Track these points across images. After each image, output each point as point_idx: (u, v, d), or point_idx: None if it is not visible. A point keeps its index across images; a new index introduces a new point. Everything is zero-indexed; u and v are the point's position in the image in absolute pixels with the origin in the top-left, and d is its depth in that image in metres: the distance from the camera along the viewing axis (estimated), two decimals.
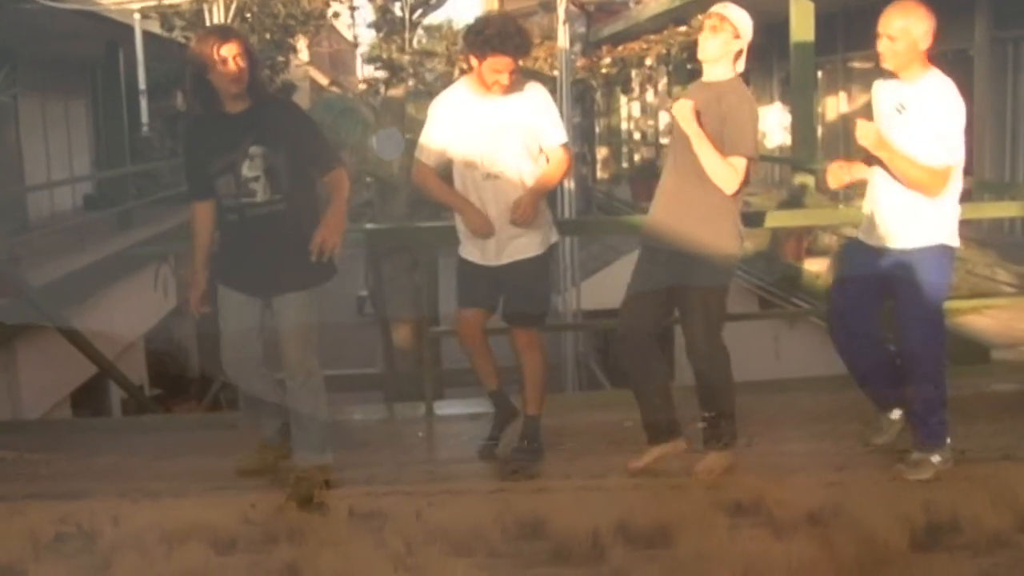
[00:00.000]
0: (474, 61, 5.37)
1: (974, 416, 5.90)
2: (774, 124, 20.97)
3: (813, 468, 5.36)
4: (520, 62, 5.41)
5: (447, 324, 6.33)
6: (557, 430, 5.91)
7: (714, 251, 5.18)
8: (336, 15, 20.82)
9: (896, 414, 5.51)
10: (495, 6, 32.23)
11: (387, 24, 19.06)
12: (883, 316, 5.37)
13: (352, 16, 21.25)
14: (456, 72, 19.34)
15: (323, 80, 35.41)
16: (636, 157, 27.09)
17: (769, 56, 20.27)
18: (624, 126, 30.37)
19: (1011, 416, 6.04)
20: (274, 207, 5.23)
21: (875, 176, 5.20)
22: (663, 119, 26.09)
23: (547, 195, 5.72)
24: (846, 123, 16.28)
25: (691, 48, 5.25)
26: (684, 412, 5.42)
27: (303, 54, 26.23)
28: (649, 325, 5.36)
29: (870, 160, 5.15)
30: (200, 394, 16.95)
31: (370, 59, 20.18)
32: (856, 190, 5.57)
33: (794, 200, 14.51)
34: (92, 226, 16.84)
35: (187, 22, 17.89)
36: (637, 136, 29.78)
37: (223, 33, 5.25)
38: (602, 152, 28.77)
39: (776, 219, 9.45)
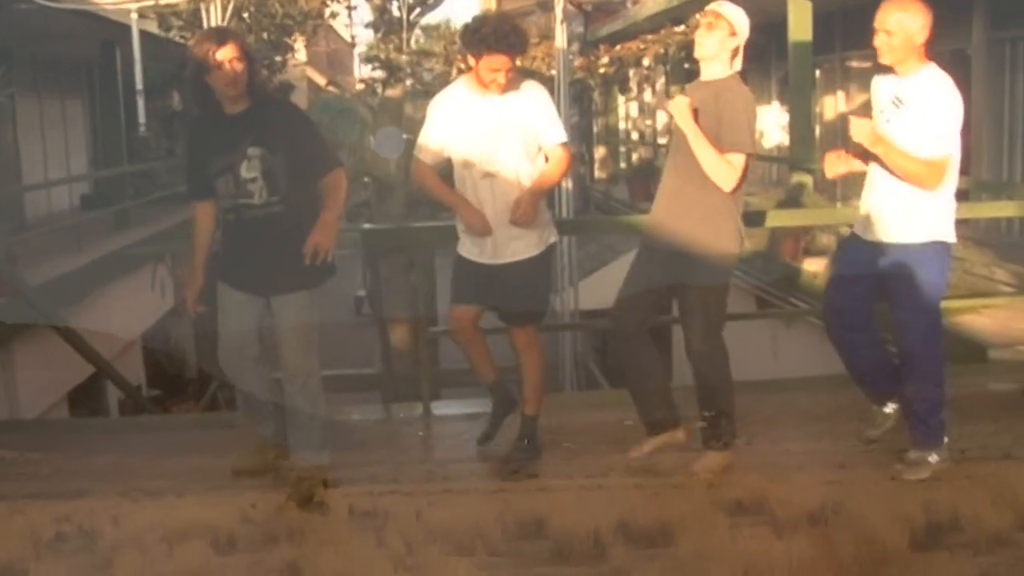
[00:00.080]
0: (472, 60, 5.38)
1: (974, 415, 5.90)
2: (772, 123, 20.98)
3: (813, 467, 5.36)
4: (517, 61, 5.42)
5: (444, 324, 6.33)
6: (556, 430, 5.91)
7: (714, 250, 5.18)
8: (334, 15, 20.84)
9: (890, 408, 5.51)
10: (492, 5, 32.24)
11: (385, 24, 19.06)
12: (880, 315, 5.37)
13: (350, 16, 21.32)
14: (454, 72, 19.32)
15: (321, 80, 35.46)
16: (634, 157, 27.08)
17: (767, 56, 20.28)
18: (622, 126, 30.38)
19: (1011, 415, 6.04)
20: (271, 209, 5.24)
21: (872, 171, 5.21)
22: (661, 119, 26.11)
23: (546, 195, 5.73)
24: (844, 122, 16.24)
25: (688, 48, 5.26)
26: (683, 412, 5.42)
27: (301, 54, 26.23)
28: (639, 323, 5.38)
29: (866, 157, 5.15)
30: (198, 394, 16.92)
31: (368, 59, 20.19)
32: (853, 190, 5.57)
33: (792, 199, 14.51)
34: (89, 226, 16.81)
35: (184, 22, 17.90)
36: (635, 136, 29.79)
37: (220, 36, 5.25)
38: (600, 152, 28.78)
39: (775, 219, 9.45)
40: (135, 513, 5.01)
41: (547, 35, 20.40)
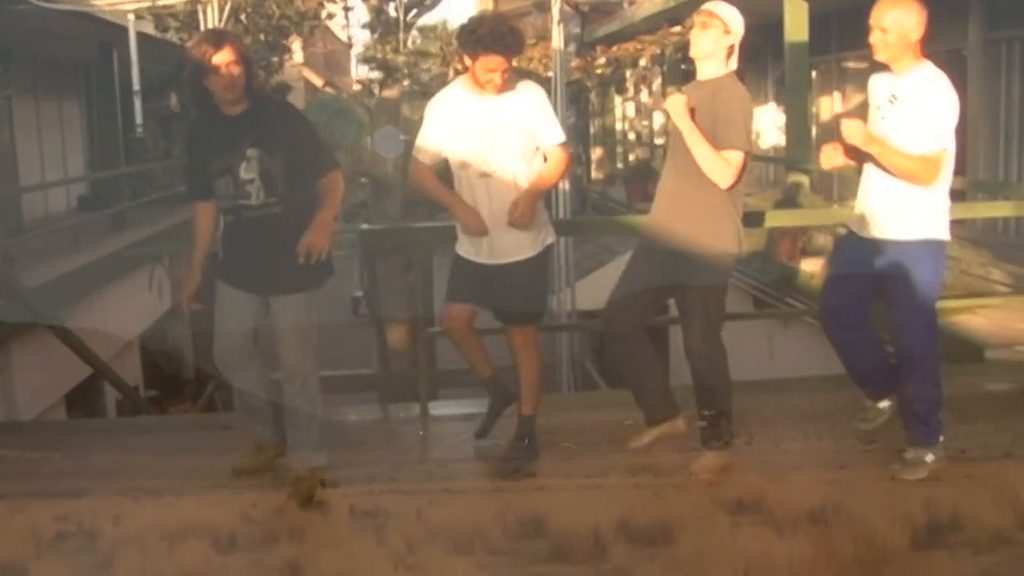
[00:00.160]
0: (468, 61, 5.39)
1: (974, 415, 5.91)
2: (769, 124, 20.99)
3: (813, 466, 5.37)
4: (514, 61, 5.43)
5: (440, 325, 6.34)
6: (555, 430, 5.92)
7: (713, 250, 5.20)
8: (330, 16, 20.80)
9: (884, 403, 5.55)
10: (489, 6, 32.23)
11: (381, 25, 19.04)
12: (877, 315, 5.38)
13: (346, 17, 21.28)
14: (451, 72, 19.32)
15: (318, 81, 35.46)
16: (631, 157, 27.06)
17: (764, 56, 20.30)
18: (619, 126, 30.37)
19: (1011, 415, 6.04)
20: (268, 210, 5.25)
21: (867, 170, 5.23)
22: (658, 119, 26.10)
23: (544, 195, 5.74)
24: (840, 123, 16.26)
25: (685, 48, 5.28)
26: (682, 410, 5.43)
27: (297, 55, 26.24)
28: (635, 323, 5.40)
29: (861, 157, 5.17)
30: (195, 395, 16.93)
31: (365, 60, 20.16)
32: (850, 190, 5.58)
33: (788, 199, 14.52)
34: (86, 227, 16.78)
35: (181, 23, 17.86)
36: (632, 136, 29.79)
37: (217, 40, 5.25)
38: (597, 152, 28.77)
39: (774, 219, 9.46)
40: (136, 512, 5.02)
41: (544, 36, 20.40)
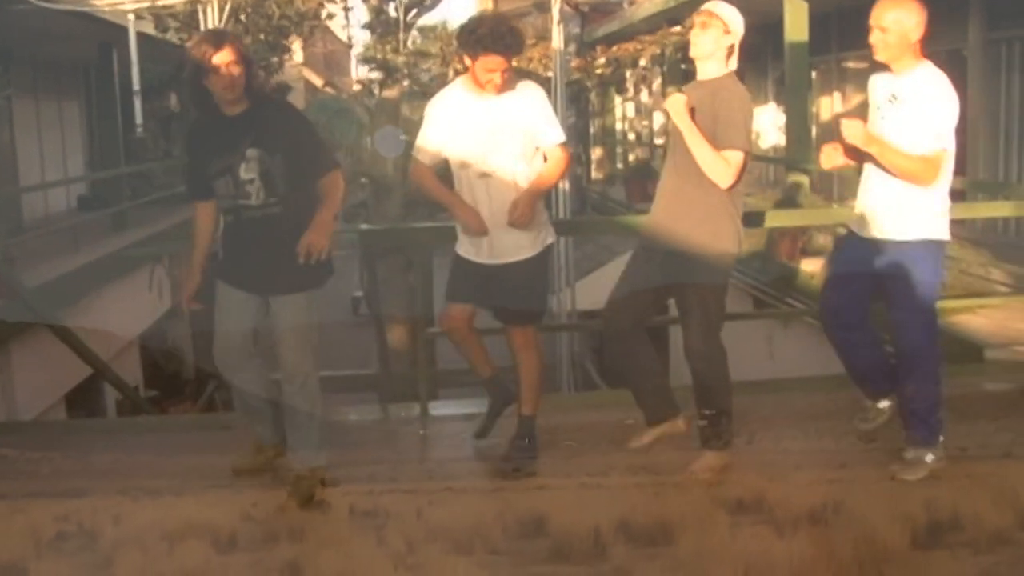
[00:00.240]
0: (468, 61, 5.40)
1: (974, 414, 5.92)
2: (769, 124, 20.98)
3: (814, 466, 5.37)
4: (514, 61, 5.43)
5: (439, 325, 6.34)
6: (555, 430, 5.92)
7: (713, 250, 5.20)
8: (330, 16, 20.81)
9: (884, 403, 5.55)
10: (489, 6, 32.21)
11: (381, 25, 19.04)
12: (877, 315, 5.39)
13: (346, 17, 21.28)
14: (451, 73, 19.32)
15: (318, 81, 35.46)
16: (631, 158, 27.06)
17: (763, 56, 20.30)
18: (619, 126, 30.37)
19: (1011, 414, 6.05)
20: (268, 210, 5.25)
21: (867, 170, 5.23)
22: (657, 119, 26.10)
23: (544, 196, 5.74)
24: (840, 123, 16.26)
25: (685, 48, 5.29)
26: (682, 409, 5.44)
27: (297, 55, 26.24)
28: (635, 322, 5.41)
29: (861, 157, 5.17)
30: (195, 395, 16.92)
31: (364, 60, 20.15)
32: (850, 190, 5.59)
33: (788, 199, 14.51)
34: (86, 227, 16.77)
35: (181, 23, 17.87)
36: (632, 137, 29.80)
37: (217, 40, 5.25)
38: (597, 152, 28.77)
39: (774, 219, 9.46)
40: (136, 512, 5.03)
41: (544, 36, 20.39)
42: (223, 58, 5.14)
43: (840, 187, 15.59)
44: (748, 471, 5.22)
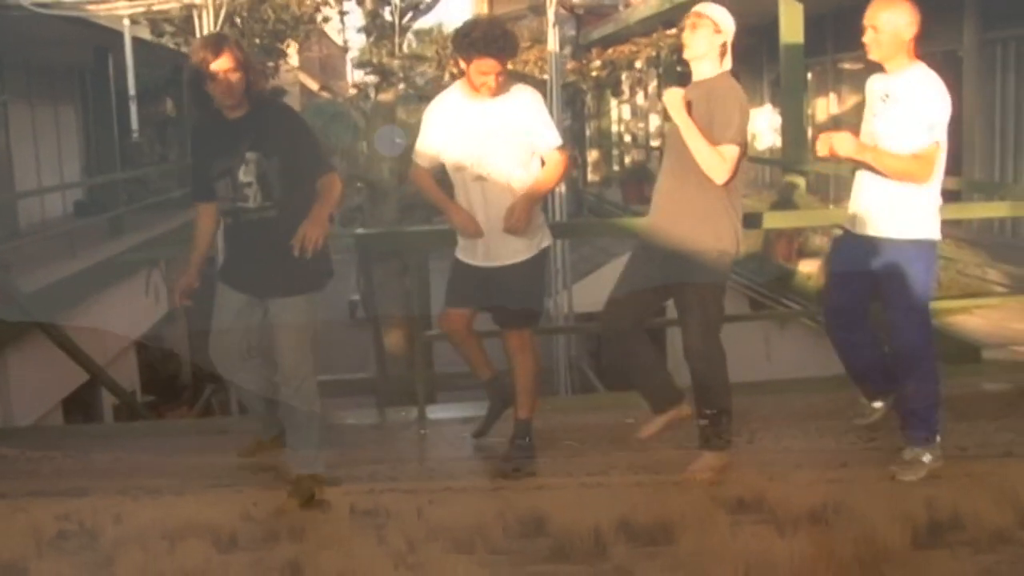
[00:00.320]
0: (463, 64, 5.42)
1: (973, 413, 5.93)
2: (764, 126, 20.99)
3: (814, 465, 5.37)
4: (509, 64, 5.46)
5: (439, 328, 6.35)
6: (554, 431, 5.93)
7: (711, 249, 5.21)
8: (326, 20, 20.80)
9: (879, 403, 5.66)
10: (484, 9, 32.23)
11: (377, 29, 19.02)
12: (874, 316, 5.41)
13: (342, 21, 21.22)
14: (447, 76, 19.33)
15: (313, 85, 35.45)
16: (626, 160, 27.12)
17: (759, 58, 20.31)
18: (614, 129, 30.41)
19: (1011, 413, 6.05)
20: (265, 213, 5.29)
21: (860, 170, 5.27)
22: (653, 122, 26.12)
23: (541, 200, 5.75)
24: (836, 124, 16.29)
25: (680, 50, 5.30)
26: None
27: (293, 59, 26.22)
28: (632, 322, 5.44)
29: (856, 165, 5.23)
30: (192, 400, 16.92)
31: (360, 64, 20.15)
32: (846, 191, 5.62)
33: (785, 200, 14.52)
34: (83, 232, 16.77)
35: (176, 28, 17.86)
36: (627, 139, 29.83)
37: (216, 47, 5.28)
38: (593, 155, 28.79)
39: (771, 220, 9.47)
40: (136, 511, 5.04)
41: (539, 39, 20.39)
42: (222, 64, 5.18)
43: (836, 188, 15.61)
44: (748, 470, 5.23)
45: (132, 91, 18.44)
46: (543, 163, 5.57)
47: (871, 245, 5.21)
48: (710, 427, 5.29)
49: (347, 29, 22.62)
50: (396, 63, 18.77)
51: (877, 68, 5.24)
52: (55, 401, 12.83)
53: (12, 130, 18.91)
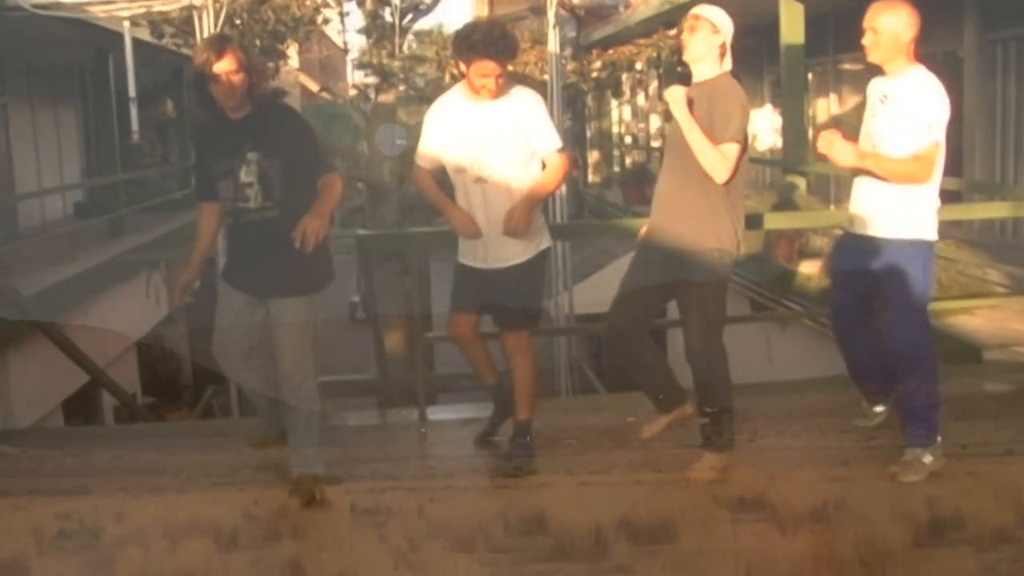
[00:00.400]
0: (463, 67, 5.43)
1: (974, 412, 5.95)
2: (765, 126, 20.99)
3: (816, 464, 5.38)
4: (509, 66, 5.48)
5: (439, 329, 6.34)
6: (554, 432, 5.93)
7: (711, 247, 5.22)
8: (326, 21, 20.73)
9: (880, 408, 5.71)
10: (485, 10, 32.22)
11: (377, 30, 18.99)
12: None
13: (342, 22, 21.11)
14: (447, 77, 19.29)
15: (314, 86, 35.38)
16: (627, 161, 27.11)
17: (759, 58, 20.31)
18: (615, 130, 30.42)
19: (1011, 412, 6.06)
20: (265, 213, 5.32)
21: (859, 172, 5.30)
22: (654, 122, 26.11)
23: (541, 203, 5.76)
24: (837, 125, 16.28)
25: (681, 51, 5.32)
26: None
27: (293, 61, 26.20)
28: (636, 323, 5.45)
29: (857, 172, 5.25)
30: (193, 401, 16.91)
31: (360, 65, 20.12)
32: (846, 192, 5.65)
33: (785, 201, 14.52)
34: (83, 234, 16.74)
35: (177, 29, 17.81)
36: (628, 140, 29.83)
37: (219, 48, 5.31)
38: (593, 156, 28.78)
39: (772, 221, 9.49)
40: (137, 510, 5.04)
41: (540, 40, 20.35)
42: (224, 66, 5.22)
43: (837, 189, 15.60)
44: (750, 469, 5.23)
45: (132, 92, 18.42)
46: (544, 166, 5.57)
47: (870, 245, 5.25)
48: (711, 426, 5.30)
49: (347, 30, 22.53)
50: (396, 64, 18.75)
51: (878, 70, 5.28)
52: (55, 403, 12.83)
53: (12, 131, 18.88)
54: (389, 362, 16.92)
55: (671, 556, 4.52)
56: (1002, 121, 13.56)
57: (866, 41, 5.18)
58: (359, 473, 5.41)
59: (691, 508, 4.81)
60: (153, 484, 5.32)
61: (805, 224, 12.12)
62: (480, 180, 5.49)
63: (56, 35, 17.07)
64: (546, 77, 18.02)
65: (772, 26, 15.60)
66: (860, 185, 5.32)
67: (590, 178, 27.76)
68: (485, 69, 5.33)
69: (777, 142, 19.75)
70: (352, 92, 22.30)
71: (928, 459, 5.14)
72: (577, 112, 26.70)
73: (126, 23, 17.46)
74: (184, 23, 17.37)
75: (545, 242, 5.70)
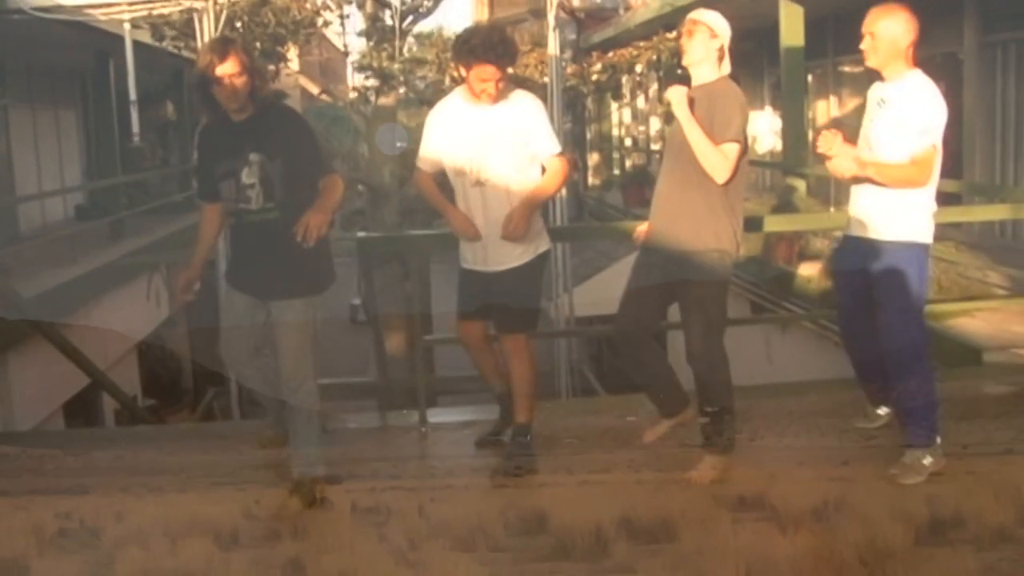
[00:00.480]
0: (463, 71, 5.45)
1: (974, 412, 5.95)
2: (765, 129, 21.00)
3: (816, 463, 5.39)
4: (509, 70, 5.50)
5: (440, 332, 6.35)
6: (554, 433, 5.93)
7: (711, 248, 5.24)
8: (326, 24, 20.73)
9: (883, 410, 5.73)
10: (485, 13, 32.23)
11: (377, 32, 19.00)
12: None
13: (342, 25, 21.09)
14: (447, 80, 19.30)
15: (314, 89, 35.42)
16: (627, 163, 27.13)
17: (759, 61, 20.32)
18: (615, 132, 30.42)
19: (1012, 412, 6.07)
20: (266, 215, 5.34)
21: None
22: (654, 125, 26.12)
23: (540, 207, 5.77)
24: (837, 127, 16.27)
25: (680, 54, 5.36)
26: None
27: (293, 63, 26.19)
28: (640, 327, 5.47)
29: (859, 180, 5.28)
30: (193, 404, 16.90)
31: (361, 67, 20.09)
32: (845, 194, 5.67)
33: (785, 203, 14.52)
34: (83, 236, 16.77)
35: (177, 32, 17.82)
36: (628, 142, 29.84)
37: (222, 51, 5.33)
38: (593, 158, 28.79)
39: (772, 224, 9.49)
40: (138, 509, 5.04)
41: (540, 42, 20.37)
42: (227, 69, 5.25)
43: (836, 191, 15.60)
44: (750, 468, 5.23)
45: (133, 95, 18.41)
46: (544, 170, 5.59)
47: (867, 247, 5.30)
48: (712, 426, 5.31)
49: (347, 33, 22.52)
50: (396, 67, 18.75)
51: (878, 73, 5.30)
52: (56, 405, 12.84)
53: (13, 134, 18.88)
54: (390, 364, 16.93)
55: (671, 556, 4.52)
56: (1002, 123, 13.56)
57: (865, 45, 5.23)
58: (359, 473, 5.42)
59: (691, 508, 4.81)
60: (153, 484, 5.33)
61: (805, 226, 12.12)
62: (480, 183, 5.51)
63: (57, 37, 17.07)
64: (546, 80, 18.03)
65: (772, 29, 15.61)
66: (859, 187, 5.35)
67: (590, 180, 27.76)
68: (485, 73, 5.35)
69: (777, 144, 19.76)
70: (352, 95, 22.28)
71: (928, 460, 5.15)
72: (577, 115, 26.70)
73: (127, 25, 17.46)
74: (184, 26, 17.38)
75: (544, 245, 5.72)
